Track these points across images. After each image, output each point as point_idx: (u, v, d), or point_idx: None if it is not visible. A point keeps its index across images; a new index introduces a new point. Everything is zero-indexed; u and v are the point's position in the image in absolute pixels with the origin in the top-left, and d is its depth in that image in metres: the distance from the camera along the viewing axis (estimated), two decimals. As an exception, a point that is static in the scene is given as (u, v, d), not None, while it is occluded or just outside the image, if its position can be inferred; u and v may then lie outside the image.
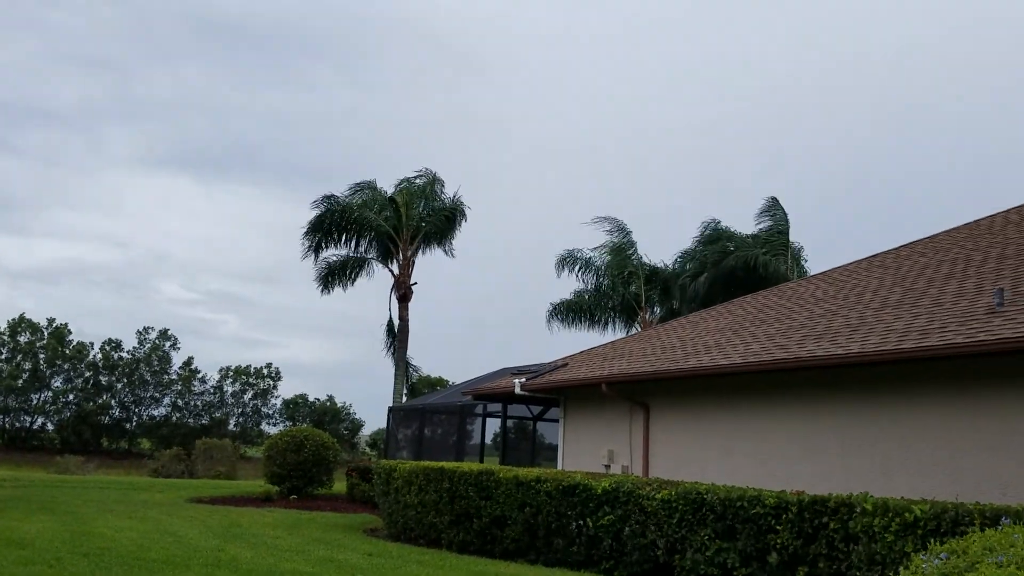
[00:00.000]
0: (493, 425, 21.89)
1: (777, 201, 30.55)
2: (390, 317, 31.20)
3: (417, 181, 31.59)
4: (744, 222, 31.71)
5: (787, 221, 30.36)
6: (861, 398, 10.66)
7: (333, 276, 31.24)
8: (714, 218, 31.97)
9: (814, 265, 31.49)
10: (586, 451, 15.18)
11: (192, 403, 63.99)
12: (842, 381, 10.92)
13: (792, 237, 30.39)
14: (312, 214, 30.14)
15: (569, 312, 33.37)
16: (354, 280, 31.30)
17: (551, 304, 33.66)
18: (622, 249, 32.91)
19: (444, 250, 31.63)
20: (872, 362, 9.95)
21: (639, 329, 31.30)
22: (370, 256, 31.21)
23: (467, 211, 31.48)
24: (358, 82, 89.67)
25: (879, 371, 10.37)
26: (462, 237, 32.21)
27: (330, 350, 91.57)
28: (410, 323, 30.40)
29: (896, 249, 15.61)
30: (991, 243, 13.33)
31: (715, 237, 31.45)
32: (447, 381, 54.13)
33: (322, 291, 31.37)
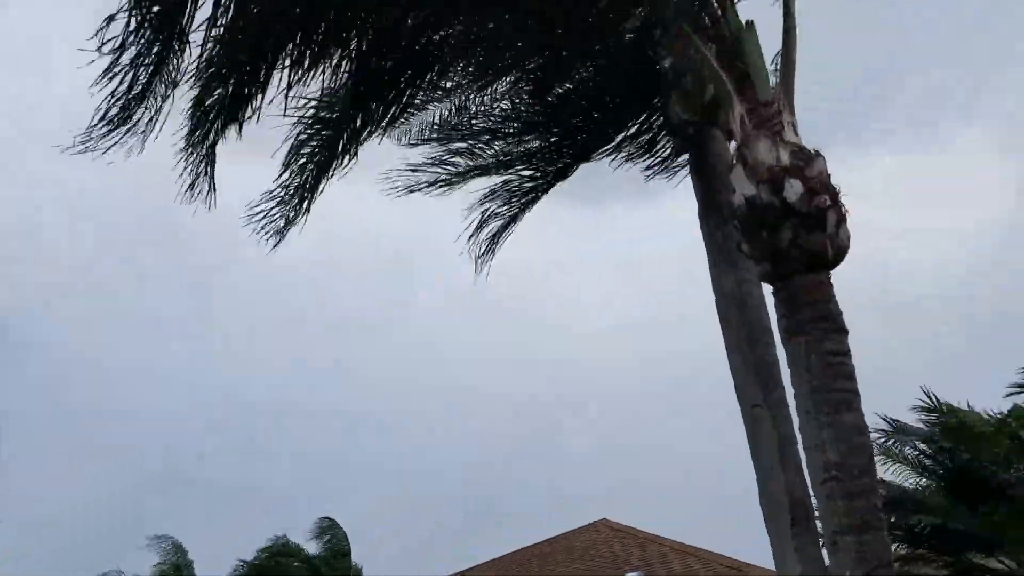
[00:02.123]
0: None
1: (335, 521, 30.42)
2: None
3: None
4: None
5: (347, 540, 30.17)
6: None
7: None
8: (282, 534, 30.61)
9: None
10: None
11: None
12: None
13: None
14: None
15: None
16: None
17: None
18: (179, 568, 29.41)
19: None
20: None
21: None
22: None
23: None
24: None
25: None
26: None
27: None
28: None
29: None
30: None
31: (285, 552, 29.91)
32: None
33: None
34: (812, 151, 5.08)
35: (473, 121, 7.51)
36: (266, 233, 6.97)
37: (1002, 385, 11.80)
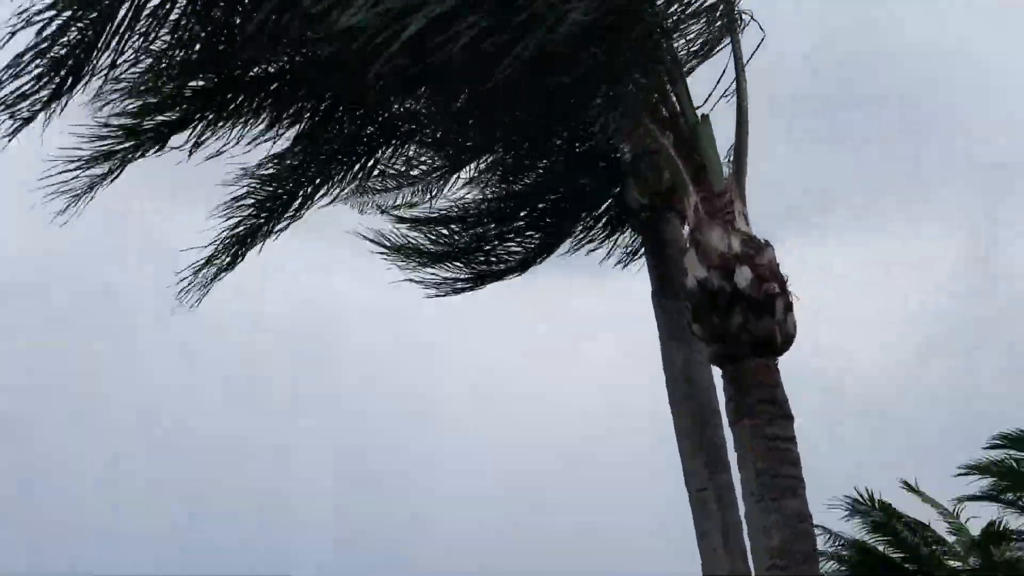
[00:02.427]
0: None
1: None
2: None
3: None
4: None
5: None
6: None
7: None
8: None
9: None
10: None
11: None
12: None
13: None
14: None
15: None
16: None
17: None
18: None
19: None
20: None
21: None
22: None
23: None
24: None
25: None
26: None
27: None
28: None
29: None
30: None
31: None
32: None
33: None
34: (762, 240, 5.27)
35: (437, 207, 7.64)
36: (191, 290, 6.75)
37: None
